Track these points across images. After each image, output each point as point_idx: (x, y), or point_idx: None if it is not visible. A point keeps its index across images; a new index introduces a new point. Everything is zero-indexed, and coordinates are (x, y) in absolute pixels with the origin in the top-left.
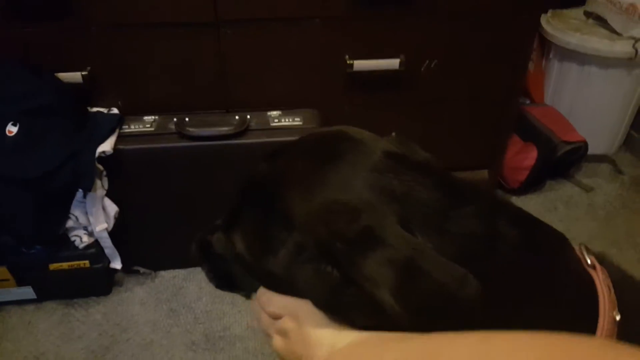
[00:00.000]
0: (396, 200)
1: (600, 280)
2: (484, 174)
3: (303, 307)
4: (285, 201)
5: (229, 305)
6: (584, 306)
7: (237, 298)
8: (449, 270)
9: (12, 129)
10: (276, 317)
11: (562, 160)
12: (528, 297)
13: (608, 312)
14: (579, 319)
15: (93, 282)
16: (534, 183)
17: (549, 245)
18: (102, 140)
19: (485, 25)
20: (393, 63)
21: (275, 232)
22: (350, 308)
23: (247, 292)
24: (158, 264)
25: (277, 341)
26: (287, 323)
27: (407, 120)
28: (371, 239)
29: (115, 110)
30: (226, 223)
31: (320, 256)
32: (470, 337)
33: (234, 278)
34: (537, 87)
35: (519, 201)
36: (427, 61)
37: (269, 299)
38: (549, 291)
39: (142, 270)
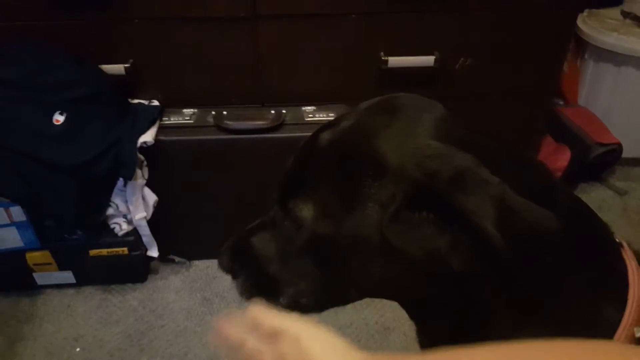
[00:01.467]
0: (471, 148)
1: (629, 257)
2: None
3: (308, 329)
4: (372, 152)
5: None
6: (619, 274)
7: None
8: (536, 210)
9: (59, 118)
10: (270, 336)
11: (595, 163)
12: (582, 256)
13: (638, 282)
14: (614, 286)
15: (130, 269)
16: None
17: (596, 221)
18: (144, 130)
19: (520, 23)
20: (428, 60)
21: (362, 186)
22: (450, 254)
23: (288, 299)
24: (193, 254)
25: None
26: (287, 345)
27: None
28: (468, 178)
29: (155, 102)
30: (283, 200)
31: (415, 202)
32: (490, 348)
33: (276, 282)
34: (571, 87)
35: None
36: (462, 58)
37: (269, 313)
38: (596, 254)
39: (177, 259)
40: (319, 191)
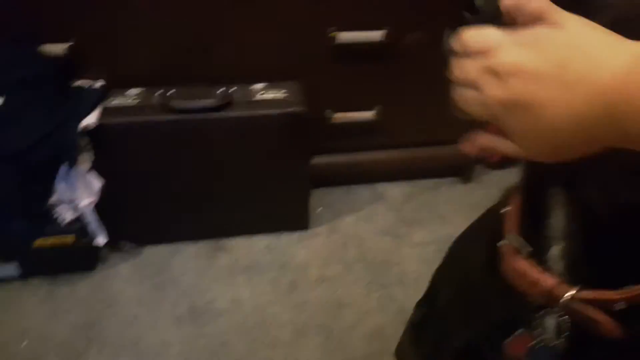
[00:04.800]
0: None
1: None
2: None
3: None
4: None
5: (212, 279)
6: None
7: (221, 272)
8: None
9: None
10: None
11: None
12: None
13: None
14: None
15: (78, 257)
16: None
17: None
18: (86, 113)
19: None
20: (374, 35)
21: None
22: None
23: None
24: (143, 239)
25: (493, 87)
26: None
27: (392, 93)
28: None
29: (99, 83)
30: None
31: None
32: None
33: None
34: None
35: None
36: (410, 33)
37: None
38: None
39: (126, 245)
40: None
